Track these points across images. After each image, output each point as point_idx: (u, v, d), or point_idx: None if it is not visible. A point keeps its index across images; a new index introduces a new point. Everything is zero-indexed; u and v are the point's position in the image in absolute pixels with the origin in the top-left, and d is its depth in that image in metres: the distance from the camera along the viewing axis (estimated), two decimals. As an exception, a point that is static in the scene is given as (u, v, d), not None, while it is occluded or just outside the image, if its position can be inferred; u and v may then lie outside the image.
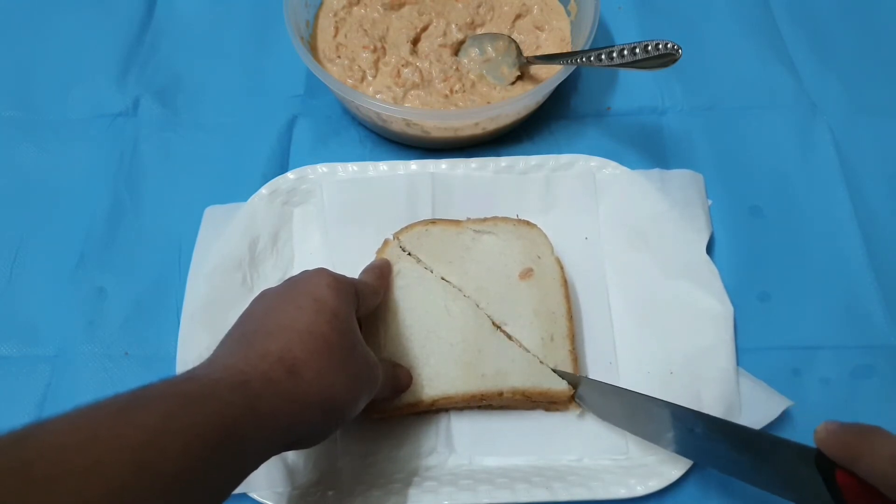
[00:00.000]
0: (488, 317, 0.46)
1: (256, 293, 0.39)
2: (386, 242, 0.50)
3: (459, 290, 0.47)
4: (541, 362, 0.45)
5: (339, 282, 0.38)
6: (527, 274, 0.47)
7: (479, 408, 0.47)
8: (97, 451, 0.25)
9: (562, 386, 0.44)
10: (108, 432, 0.25)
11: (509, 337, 0.45)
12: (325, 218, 0.52)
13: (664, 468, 0.44)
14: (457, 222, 0.50)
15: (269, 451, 0.32)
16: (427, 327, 0.46)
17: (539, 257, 0.48)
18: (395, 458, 0.45)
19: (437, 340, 0.45)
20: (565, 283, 0.47)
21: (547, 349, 0.45)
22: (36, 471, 0.23)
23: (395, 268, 0.48)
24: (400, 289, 0.47)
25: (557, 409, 0.46)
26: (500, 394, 0.44)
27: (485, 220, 0.50)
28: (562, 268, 0.48)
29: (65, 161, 0.59)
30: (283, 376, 0.32)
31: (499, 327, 0.46)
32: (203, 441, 0.27)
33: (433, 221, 0.50)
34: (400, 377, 0.44)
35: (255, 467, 0.32)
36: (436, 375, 0.44)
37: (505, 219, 0.50)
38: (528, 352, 0.45)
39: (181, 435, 0.27)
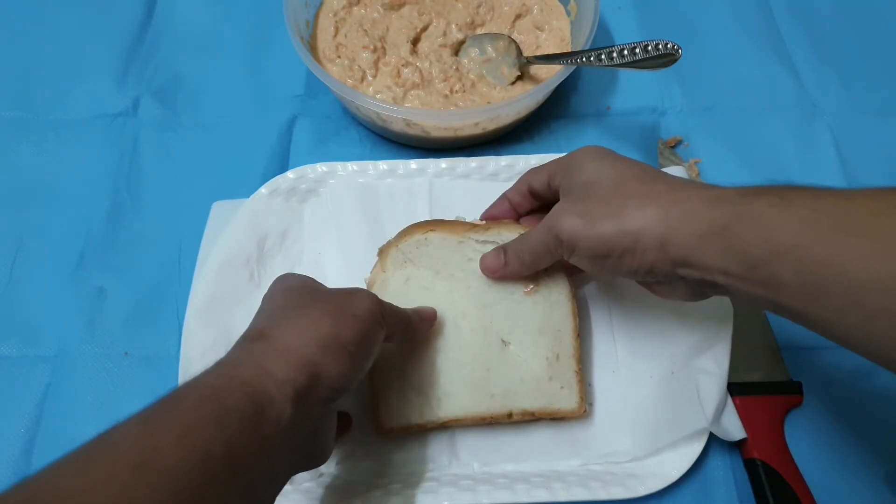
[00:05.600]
0: (497, 333, 0.44)
1: (264, 290, 0.40)
2: (389, 245, 0.47)
3: (465, 305, 0.45)
4: (550, 378, 0.43)
5: (282, 280, 0.40)
6: (533, 289, 0.45)
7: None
8: (96, 471, 0.25)
9: (572, 405, 0.43)
10: (103, 448, 0.26)
11: (515, 356, 0.44)
12: (333, 217, 0.52)
13: (664, 468, 0.44)
14: (457, 228, 0.47)
15: (299, 406, 0.31)
16: (437, 345, 0.44)
17: (546, 270, 0.45)
18: (396, 459, 0.45)
19: (447, 360, 0.44)
20: (573, 299, 0.45)
21: (552, 369, 0.43)
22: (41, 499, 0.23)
23: (403, 274, 0.46)
24: (410, 300, 0.45)
25: (564, 418, 0.45)
26: (510, 414, 0.43)
27: (488, 227, 0.47)
28: (570, 282, 0.45)
29: (65, 161, 0.59)
30: (253, 345, 0.33)
31: (505, 345, 0.45)
32: (193, 417, 0.27)
33: (432, 228, 0.47)
34: (409, 318, 0.42)
35: (294, 435, 0.31)
36: (445, 395, 0.43)
37: (509, 224, 0.47)
38: (535, 369, 0.44)
39: (172, 424, 0.27)
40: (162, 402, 0.28)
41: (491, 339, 0.44)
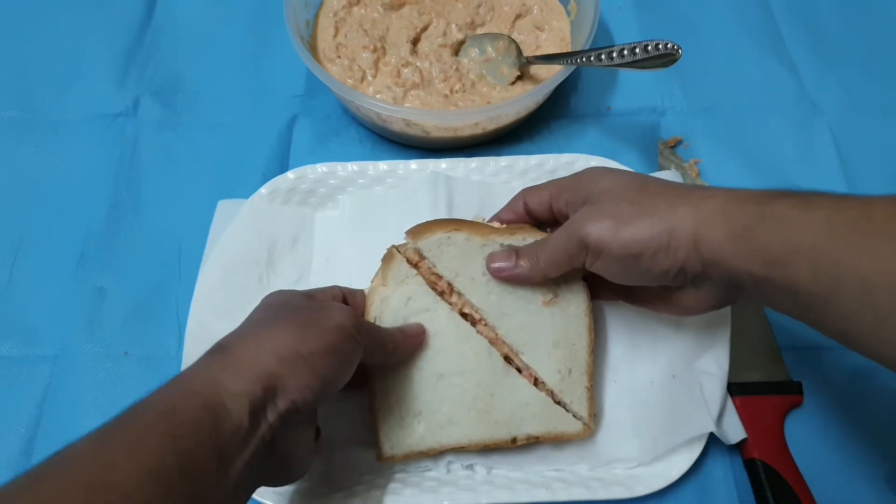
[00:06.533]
0: (502, 354, 0.43)
1: (272, 290, 0.40)
2: (392, 254, 0.44)
3: (478, 313, 0.43)
4: (557, 402, 0.43)
5: (268, 297, 0.40)
6: (552, 300, 0.43)
7: None
8: (46, 491, 0.24)
9: (577, 428, 0.43)
10: (54, 467, 0.26)
11: (527, 367, 0.43)
12: (345, 222, 0.52)
13: (664, 468, 0.43)
14: (482, 229, 0.45)
15: (257, 418, 0.30)
16: (439, 369, 0.43)
17: (566, 281, 0.43)
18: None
19: (449, 385, 0.42)
20: (590, 314, 0.44)
21: (563, 384, 0.43)
22: None
23: (404, 292, 0.43)
24: (410, 321, 0.43)
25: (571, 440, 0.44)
26: (514, 440, 0.42)
27: (514, 231, 0.44)
28: (588, 296, 0.44)
29: (65, 161, 0.59)
30: (211, 358, 0.33)
31: (516, 357, 0.43)
32: (146, 431, 0.27)
33: (456, 227, 0.44)
34: (390, 336, 0.40)
35: (255, 448, 0.30)
36: (448, 423, 0.42)
37: (533, 230, 0.44)
38: (542, 387, 0.43)
39: (125, 439, 0.27)
40: (117, 419, 0.28)
41: (495, 360, 0.43)
